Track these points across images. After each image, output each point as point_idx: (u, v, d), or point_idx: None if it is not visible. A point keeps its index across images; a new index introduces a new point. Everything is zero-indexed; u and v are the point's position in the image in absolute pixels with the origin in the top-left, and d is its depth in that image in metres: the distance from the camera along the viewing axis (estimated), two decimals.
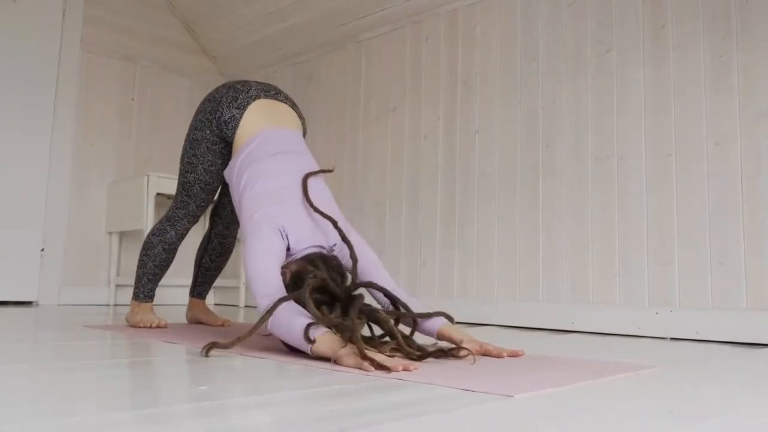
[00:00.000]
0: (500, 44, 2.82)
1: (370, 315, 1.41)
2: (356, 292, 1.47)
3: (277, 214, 1.62)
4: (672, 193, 2.23)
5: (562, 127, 2.56)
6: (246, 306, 3.89)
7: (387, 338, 1.47)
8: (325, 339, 1.33)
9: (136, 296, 2.20)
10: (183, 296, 3.96)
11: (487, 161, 2.80)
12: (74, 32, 3.63)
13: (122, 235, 3.73)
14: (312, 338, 1.33)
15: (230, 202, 2.26)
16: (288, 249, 1.60)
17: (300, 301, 1.41)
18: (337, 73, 3.57)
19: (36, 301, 3.40)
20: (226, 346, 1.42)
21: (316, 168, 1.81)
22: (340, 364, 1.30)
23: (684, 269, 2.17)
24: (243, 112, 1.90)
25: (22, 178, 3.39)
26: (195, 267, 2.36)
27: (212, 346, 1.43)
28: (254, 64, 4.06)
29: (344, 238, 1.60)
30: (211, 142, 1.98)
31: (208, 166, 2.02)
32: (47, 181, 3.48)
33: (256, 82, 2.01)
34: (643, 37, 2.37)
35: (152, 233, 2.15)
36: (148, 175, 3.41)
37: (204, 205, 2.10)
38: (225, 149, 2.00)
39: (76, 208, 3.59)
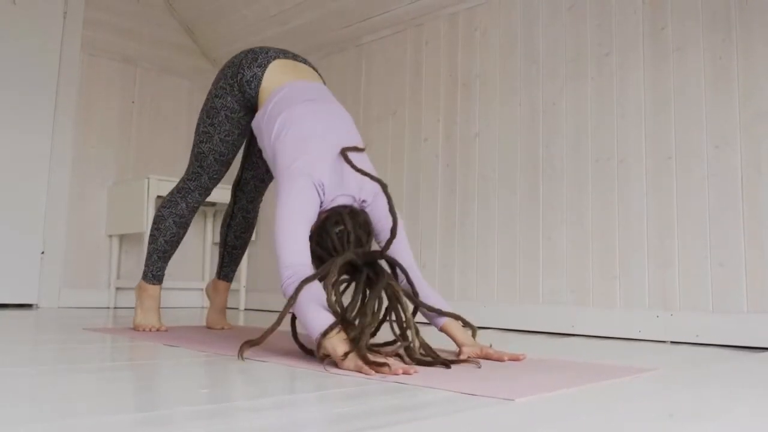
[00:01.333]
0: (500, 47, 2.82)
1: (393, 297, 1.39)
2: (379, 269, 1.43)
3: (313, 163, 1.56)
4: (672, 195, 2.23)
5: (562, 129, 2.56)
6: (246, 309, 3.89)
7: (393, 340, 1.46)
8: (330, 339, 1.32)
9: (144, 275, 2.16)
10: (188, 299, 3.95)
11: (488, 163, 2.79)
12: (75, 34, 3.64)
13: (122, 237, 3.73)
14: (323, 352, 1.33)
15: (253, 177, 2.22)
16: (321, 203, 1.56)
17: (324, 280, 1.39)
18: (337, 75, 3.58)
19: (36, 304, 3.40)
20: (257, 342, 1.41)
21: (348, 115, 1.77)
22: (341, 367, 1.30)
23: (684, 272, 2.17)
24: (264, 70, 1.87)
25: (23, 180, 3.39)
26: (220, 247, 2.32)
27: (245, 347, 1.41)
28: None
29: (392, 209, 1.53)
30: (230, 110, 1.94)
31: (225, 136, 1.98)
32: (47, 183, 3.48)
33: (273, 47, 1.99)
34: (643, 39, 2.37)
35: (162, 206, 2.10)
36: (148, 178, 3.41)
37: (217, 177, 2.06)
38: (243, 119, 1.97)
39: (76, 210, 3.59)
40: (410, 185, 3.09)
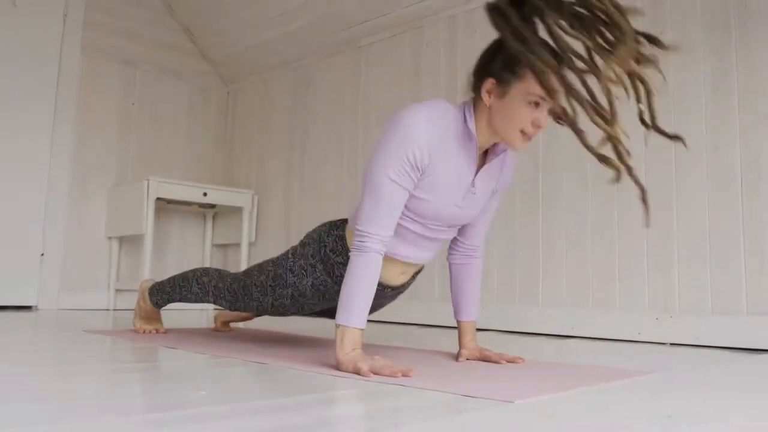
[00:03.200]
0: None
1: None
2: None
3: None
4: (671, 197, 2.23)
5: (561, 132, 2.56)
6: None
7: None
8: (345, 334, 1.32)
9: (151, 293, 2.07)
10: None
11: None
12: (75, 36, 3.64)
13: (122, 239, 3.72)
14: (339, 324, 1.33)
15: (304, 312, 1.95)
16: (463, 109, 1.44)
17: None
18: (336, 78, 3.58)
19: (35, 306, 3.40)
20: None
21: None
22: (339, 369, 1.30)
23: (684, 274, 2.17)
24: (345, 227, 1.61)
25: (22, 182, 3.39)
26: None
27: None
28: (254, 68, 4.07)
29: None
30: (300, 293, 1.65)
31: (278, 305, 1.71)
32: (47, 185, 3.47)
33: None
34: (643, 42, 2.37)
35: (198, 276, 1.91)
36: (148, 180, 3.41)
37: (248, 311, 1.83)
38: (308, 303, 1.69)
39: (75, 212, 3.59)
40: None
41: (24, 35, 3.45)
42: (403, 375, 1.23)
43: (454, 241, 1.68)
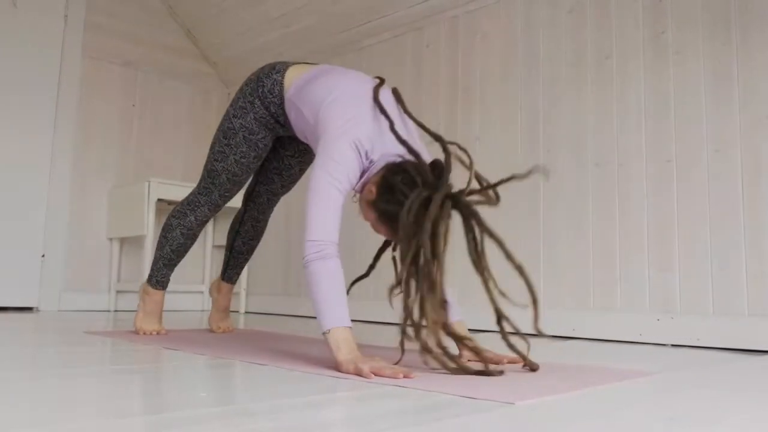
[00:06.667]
0: (501, 50, 2.82)
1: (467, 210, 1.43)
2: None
3: (358, 122, 1.51)
4: (672, 199, 2.23)
5: (562, 133, 2.56)
6: (246, 312, 3.88)
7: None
8: (339, 336, 1.33)
9: (149, 279, 2.15)
10: (189, 302, 3.95)
11: (488, 167, 2.79)
12: (75, 38, 3.64)
13: (123, 241, 3.73)
14: (327, 329, 1.34)
15: (267, 191, 2.19)
16: (368, 162, 1.51)
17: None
18: None
19: (36, 307, 3.40)
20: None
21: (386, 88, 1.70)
22: (340, 371, 1.30)
23: (685, 275, 2.17)
24: (284, 74, 1.80)
25: (23, 183, 3.40)
26: (226, 251, 2.29)
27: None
28: (255, 69, 4.06)
29: (447, 154, 1.44)
30: (249, 131, 1.86)
31: (240, 158, 1.91)
32: (48, 186, 3.48)
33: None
34: (643, 43, 2.37)
35: (172, 215, 2.09)
36: (149, 181, 3.41)
37: (228, 195, 2.02)
38: (261, 141, 1.90)
39: (76, 214, 3.59)
40: None
41: (25, 37, 3.45)
42: (405, 376, 1.22)
43: None
